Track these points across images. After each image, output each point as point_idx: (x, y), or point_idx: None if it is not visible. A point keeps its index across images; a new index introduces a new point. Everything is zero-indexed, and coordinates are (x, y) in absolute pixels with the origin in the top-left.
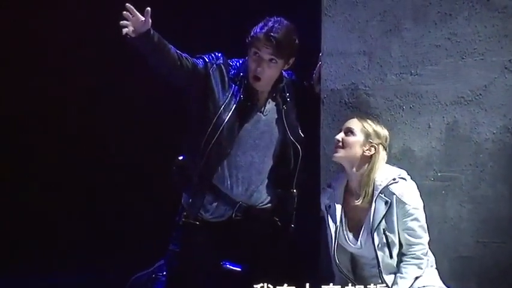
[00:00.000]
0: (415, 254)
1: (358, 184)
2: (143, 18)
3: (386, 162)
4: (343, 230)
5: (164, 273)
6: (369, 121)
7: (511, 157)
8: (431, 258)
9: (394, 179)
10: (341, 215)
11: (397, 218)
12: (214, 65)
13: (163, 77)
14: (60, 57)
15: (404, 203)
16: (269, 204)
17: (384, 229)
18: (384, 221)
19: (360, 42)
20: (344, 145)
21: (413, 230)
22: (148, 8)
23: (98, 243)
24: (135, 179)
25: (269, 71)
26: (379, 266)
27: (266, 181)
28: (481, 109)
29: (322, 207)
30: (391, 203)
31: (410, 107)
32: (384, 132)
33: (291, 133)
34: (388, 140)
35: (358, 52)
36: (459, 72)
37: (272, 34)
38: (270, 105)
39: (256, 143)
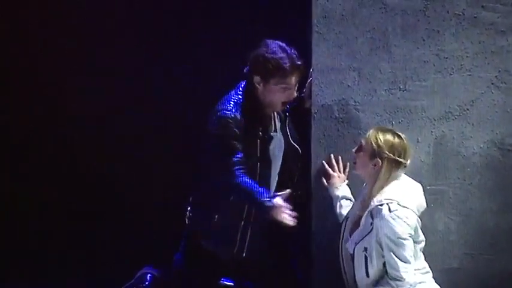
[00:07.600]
0: (387, 280)
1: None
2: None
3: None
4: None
5: (147, 283)
6: (379, 134)
7: (498, 171)
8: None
9: (381, 204)
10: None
11: (376, 241)
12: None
13: None
14: (59, 58)
15: (380, 231)
16: None
17: (365, 247)
18: (365, 239)
19: (350, 59)
20: (356, 160)
21: (388, 259)
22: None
23: (85, 256)
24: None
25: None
26: (355, 280)
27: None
28: (468, 124)
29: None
30: (373, 225)
31: (400, 122)
32: (394, 142)
33: (292, 138)
34: (398, 149)
35: (348, 68)
36: (447, 87)
37: (298, 63)
38: (277, 122)
39: (275, 155)
